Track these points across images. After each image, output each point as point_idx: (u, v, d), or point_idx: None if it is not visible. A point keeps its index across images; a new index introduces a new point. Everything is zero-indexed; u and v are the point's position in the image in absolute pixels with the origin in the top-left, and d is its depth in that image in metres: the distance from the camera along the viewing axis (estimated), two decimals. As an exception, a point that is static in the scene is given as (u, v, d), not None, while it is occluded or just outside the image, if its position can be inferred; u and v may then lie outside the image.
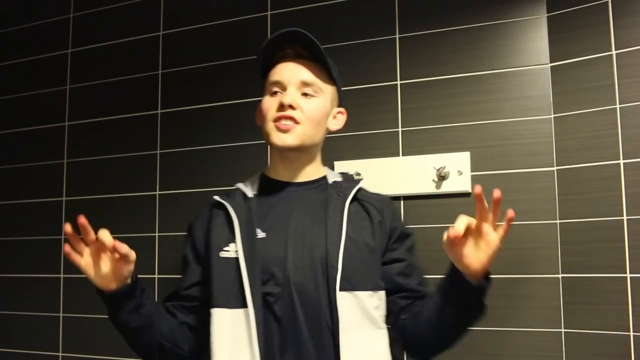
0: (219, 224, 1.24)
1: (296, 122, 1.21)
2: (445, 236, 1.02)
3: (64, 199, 2.05)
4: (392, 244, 1.25)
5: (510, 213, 1.02)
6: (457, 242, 1.03)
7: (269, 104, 1.23)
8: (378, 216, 1.24)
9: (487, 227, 1.03)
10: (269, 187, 1.29)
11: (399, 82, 1.69)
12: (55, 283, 2.02)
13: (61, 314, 2.00)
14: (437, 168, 1.59)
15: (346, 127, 1.72)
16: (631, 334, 1.41)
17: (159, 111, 1.96)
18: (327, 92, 1.27)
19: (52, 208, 2.06)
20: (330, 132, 1.32)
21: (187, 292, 1.26)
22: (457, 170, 1.59)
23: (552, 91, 1.55)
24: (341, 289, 1.13)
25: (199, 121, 1.91)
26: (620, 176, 1.46)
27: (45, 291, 2.03)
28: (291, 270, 1.16)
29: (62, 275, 2.01)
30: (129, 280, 1.11)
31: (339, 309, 1.12)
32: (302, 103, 1.22)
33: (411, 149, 1.66)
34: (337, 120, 1.33)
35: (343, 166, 1.70)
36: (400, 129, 1.67)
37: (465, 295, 1.08)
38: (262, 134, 1.25)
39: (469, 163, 1.59)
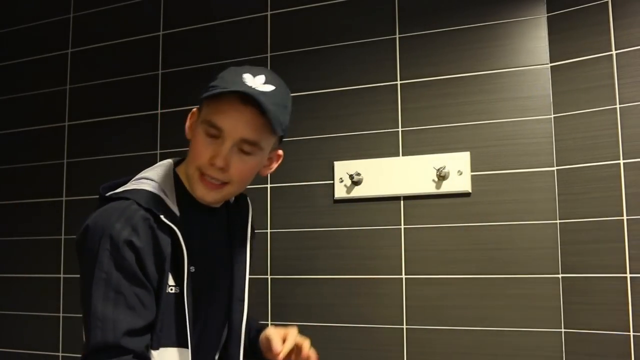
0: (168, 252, 1.07)
1: (225, 183, 1.10)
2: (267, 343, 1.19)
3: (64, 199, 2.05)
4: None
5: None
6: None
7: (202, 147, 1.09)
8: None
9: None
10: (187, 204, 1.14)
11: (399, 82, 1.69)
12: (55, 283, 2.02)
13: (61, 314, 2.00)
14: (437, 168, 1.59)
15: (346, 127, 1.73)
16: (631, 334, 1.41)
17: (159, 111, 1.96)
18: (266, 147, 1.12)
19: (52, 208, 2.06)
20: (260, 176, 1.25)
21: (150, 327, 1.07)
22: (457, 170, 1.59)
23: (552, 91, 1.55)
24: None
25: (199, 121, 1.91)
26: (620, 176, 1.46)
27: (45, 291, 2.03)
28: (214, 306, 1.17)
29: (62, 275, 2.01)
30: None
31: (242, 336, 1.21)
32: (235, 162, 1.08)
33: (411, 149, 1.66)
34: (271, 165, 1.19)
35: (343, 166, 1.70)
36: (400, 129, 1.67)
37: None
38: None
39: (469, 163, 1.59)
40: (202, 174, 1.09)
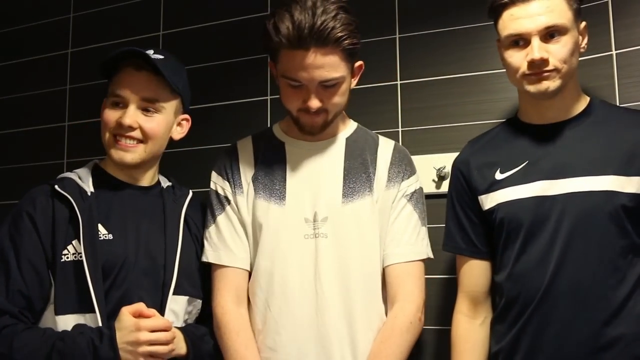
0: (62, 221, 1.20)
1: (140, 142, 1.26)
2: None
3: (64, 199, 2.05)
4: None
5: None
6: None
7: (109, 116, 1.25)
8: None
9: None
10: (107, 184, 1.30)
11: (399, 82, 1.69)
12: (55, 283, 2.02)
13: (61, 314, 2.00)
14: (437, 168, 1.59)
15: (346, 127, 1.73)
16: (631, 334, 1.41)
17: (159, 111, 1.96)
18: (169, 107, 1.30)
19: (52, 208, 2.06)
20: (173, 140, 1.38)
21: (41, 302, 1.18)
22: (457, 170, 1.59)
23: (552, 91, 1.55)
24: (174, 293, 1.24)
25: (199, 121, 1.90)
26: (620, 176, 1.45)
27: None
28: (139, 274, 1.23)
29: (62, 275, 2.01)
30: None
31: (166, 313, 1.23)
32: (142, 121, 1.25)
33: (411, 149, 1.65)
34: (182, 128, 1.39)
35: (343, 166, 1.70)
36: (400, 129, 1.67)
37: None
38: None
39: (469, 163, 1.59)
40: (115, 137, 1.24)
